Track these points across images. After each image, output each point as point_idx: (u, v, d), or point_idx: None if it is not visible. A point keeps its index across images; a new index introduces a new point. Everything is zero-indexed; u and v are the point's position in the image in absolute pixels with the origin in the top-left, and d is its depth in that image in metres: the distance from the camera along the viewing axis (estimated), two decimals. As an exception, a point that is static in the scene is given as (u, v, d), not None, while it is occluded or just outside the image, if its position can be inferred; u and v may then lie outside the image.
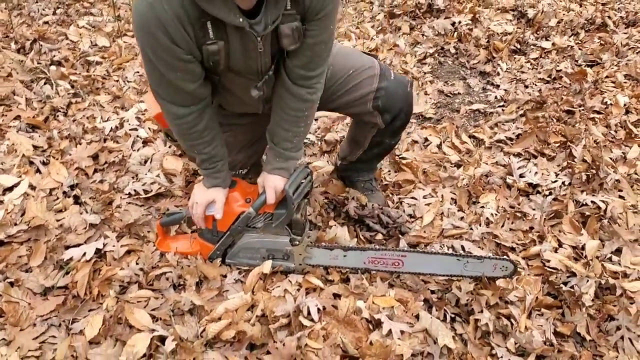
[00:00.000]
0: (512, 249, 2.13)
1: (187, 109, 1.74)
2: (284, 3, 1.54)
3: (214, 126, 1.85)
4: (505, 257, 1.98)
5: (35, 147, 2.60)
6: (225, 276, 1.96)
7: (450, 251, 2.10)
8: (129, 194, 2.34)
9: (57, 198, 2.30)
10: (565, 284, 1.95)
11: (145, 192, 2.35)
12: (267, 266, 1.93)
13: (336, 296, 1.88)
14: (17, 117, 2.83)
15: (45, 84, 3.14)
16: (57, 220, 2.16)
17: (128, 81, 3.30)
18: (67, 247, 2.05)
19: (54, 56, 3.43)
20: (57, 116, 2.91)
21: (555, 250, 2.10)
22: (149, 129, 2.77)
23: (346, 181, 2.46)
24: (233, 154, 2.00)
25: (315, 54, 1.71)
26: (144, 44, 1.55)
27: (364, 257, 1.92)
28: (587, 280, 1.93)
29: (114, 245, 2.05)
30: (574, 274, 1.97)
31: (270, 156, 1.93)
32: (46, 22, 3.93)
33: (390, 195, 2.42)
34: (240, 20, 1.50)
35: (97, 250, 2.03)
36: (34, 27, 3.79)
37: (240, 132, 2.10)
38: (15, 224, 2.12)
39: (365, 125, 2.14)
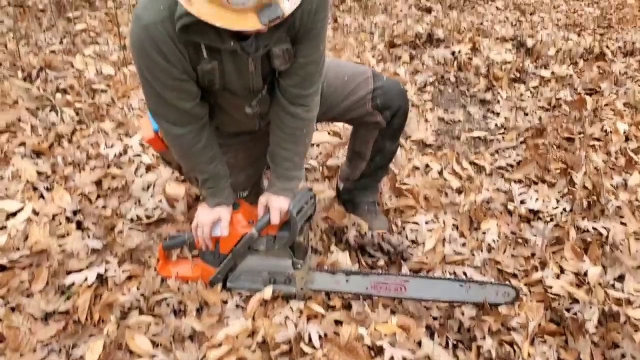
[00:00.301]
0: (514, 275, 2.13)
1: (185, 129, 1.77)
2: (287, 25, 1.57)
3: (213, 144, 1.88)
4: (507, 283, 1.98)
5: (39, 173, 2.62)
6: (226, 302, 1.95)
7: (452, 277, 2.10)
8: (131, 219, 2.35)
9: (60, 223, 2.31)
10: (568, 310, 1.94)
11: (148, 217, 2.36)
12: (268, 292, 1.92)
13: (338, 323, 1.87)
14: (22, 144, 2.85)
15: (50, 111, 3.17)
16: (60, 246, 2.17)
17: (132, 108, 3.32)
18: (68, 272, 2.06)
19: (60, 84, 3.47)
20: (62, 143, 2.93)
21: (558, 277, 2.09)
22: (153, 155, 2.79)
23: (349, 205, 2.46)
24: (234, 176, 2.03)
25: (308, 73, 1.77)
26: (141, 64, 1.61)
27: (367, 282, 1.91)
28: (590, 307, 1.92)
29: (115, 271, 2.05)
30: (576, 301, 1.97)
31: (273, 177, 1.95)
32: (52, 51, 3.98)
33: (392, 219, 2.42)
34: (232, 43, 1.54)
35: (99, 276, 2.03)
36: (41, 56, 3.83)
37: (240, 151, 2.12)
38: (18, 249, 2.13)
39: (366, 129, 2.19)
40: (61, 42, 4.18)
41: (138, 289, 1.98)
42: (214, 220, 1.90)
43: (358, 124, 2.22)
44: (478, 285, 1.87)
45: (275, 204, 1.87)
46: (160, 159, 2.49)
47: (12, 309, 1.89)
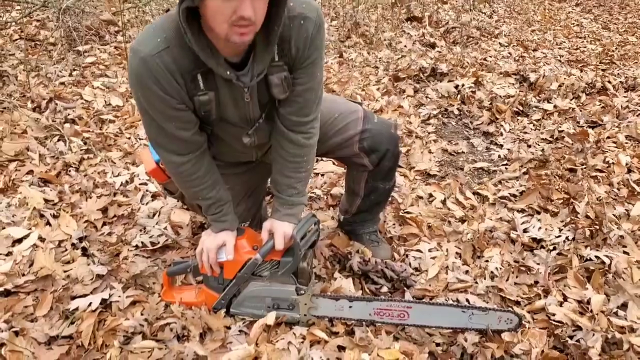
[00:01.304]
0: (517, 303, 2.13)
1: (185, 157, 1.81)
2: (270, 57, 1.62)
3: (214, 170, 1.92)
4: (510, 309, 1.97)
5: (46, 201, 2.65)
6: (229, 327, 1.95)
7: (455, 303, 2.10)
8: (136, 246, 2.37)
9: (66, 250, 2.33)
10: (571, 337, 1.93)
11: (153, 244, 2.38)
12: (271, 318, 1.92)
13: (341, 348, 1.87)
14: (30, 172, 2.90)
15: (58, 140, 3.23)
16: (65, 271, 2.18)
17: (140, 138, 3.38)
18: (73, 298, 2.06)
19: (69, 115, 3.53)
20: (69, 171, 2.98)
21: (561, 304, 2.09)
22: (159, 183, 2.83)
23: (351, 235, 2.48)
24: (233, 207, 2.03)
25: (306, 101, 1.80)
26: (140, 96, 1.64)
27: (370, 308, 1.91)
28: (593, 335, 1.91)
29: (119, 296, 2.06)
30: (579, 328, 1.96)
31: (277, 204, 1.97)
32: (62, 83, 4.06)
33: (395, 247, 2.43)
34: (228, 72, 1.59)
35: (103, 301, 2.04)
36: (51, 87, 3.92)
37: (238, 182, 2.14)
38: (23, 275, 2.15)
39: (356, 169, 2.21)
40: (71, 75, 4.27)
41: (142, 314, 1.99)
42: (218, 245, 1.92)
43: (347, 163, 2.25)
44: (481, 312, 1.86)
45: (280, 230, 1.89)
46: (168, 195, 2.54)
47: (16, 333, 1.89)
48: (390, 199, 2.75)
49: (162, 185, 2.23)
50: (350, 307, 1.92)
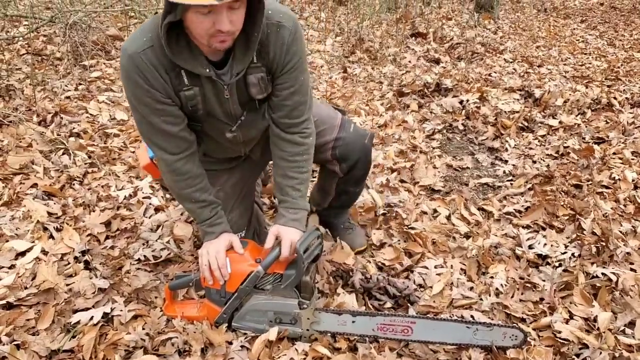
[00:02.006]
0: (523, 320, 2.10)
1: (176, 156, 1.89)
2: (249, 57, 1.74)
3: (204, 175, 1.99)
4: (514, 325, 1.95)
5: (49, 214, 2.65)
6: (231, 343, 1.94)
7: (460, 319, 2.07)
8: (139, 259, 2.36)
9: (68, 263, 2.32)
10: (577, 355, 1.91)
11: (155, 257, 2.37)
12: (273, 333, 1.91)
13: (344, 365, 1.85)
14: (34, 185, 2.90)
15: (63, 154, 3.24)
16: (67, 285, 2.18)
17: (144, 152, 3.38)
18: (75, 311, 2.05)
19: (74, 128, 3.55)
20: (73, 185, 2.98)
21: (567, 322, 2.06)
22: (162, 197, 2.83)
23: (325, 224, 2.60)
24: (226, 213, 2.08)
25: (295, 103, 1.91)
26: (128, 91, 1.76)
27: (373, 323, 1.89)
28: (600, 353, 1.89)
29: (121, 310, 2.05)
30: (586, 346, 1.93)
31: (282, 210, 2.01)
32: (68, 97, 4.08)
33: (400, 267, 2.40)
34: (207, 70, 1.72)
35: (105, 315, 2.03)
36: (56, 101, 3.93)
37: (228, 181, 2.20)
38: (26, 288, 2.14)
39: (328, 173, 2.30)
40: (76, 89, 4.29)
41: (143, 328, 1.98)
42: (226, 246, 1.94)
43: (321, 166, 2.34)
44: (485, 328, 1.84)
45: (286, 236, 1.91)
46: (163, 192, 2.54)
47: (18, 347, 1.88)
48: (394, 214, 2.75)
49: (158, 180, 2.32)
50: (353, 322, 1.90)
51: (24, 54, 4.88)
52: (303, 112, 1.94)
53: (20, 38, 5.08)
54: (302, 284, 1.90)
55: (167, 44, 1.61)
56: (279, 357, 1.85)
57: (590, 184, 3.12)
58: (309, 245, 1.88)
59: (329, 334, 1.96)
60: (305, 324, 1.92)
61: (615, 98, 4.62)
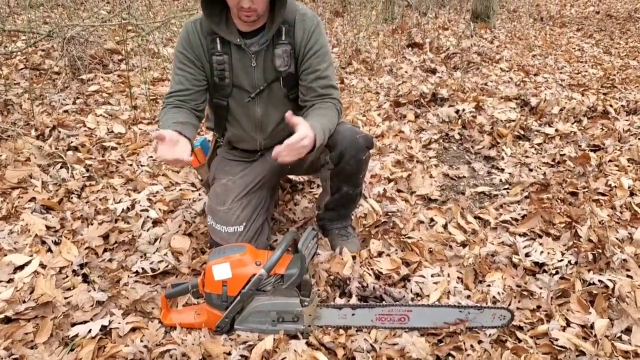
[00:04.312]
0: (520, 328, 2.10)
1: (175, 105, 2.20)
2: (274, 30, 2.14)
3: (189, 121, 2.15)
4: (502, 307, 2.06)
5: (48, 227, 2.66)
6: (229, 353, 1.94)
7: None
8: (137, 272, 2.37)
9: (67, 276, 2.33)
10: (575, 363, 1.91)
11: (153, 270, 2.37)
12: (269, 342, 1.92)
13: (341, 374, 1.86)
14: (33, 199, 2.92)
15: (61, 167, 3.25)
16: (65, 298, 2.18)
17: (141, 165, 3.40)
18: (73, 324, 2.06)
19: (72, 142, 3.56)
20: (71, 198, 2.99)
21: (564, 329, 2.07)
22: (159, 209, 2.83)
23: (322, 230, 2.67)
24: (229, 202, 2.34)
25: (322, 86, 2.23)
26: (176, 47, 2.26)
27: (372, 314, 1.99)
28: (597, 359, 1.89)
29: (119, 322, 2.05)
30: (583, 353, 1.94)
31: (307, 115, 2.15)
32: (66, 111, 4.09)
33: (396, 276, 2.41)
34: (238, 40, 2.16)
35: (103, 327, 2.03)
36: (54, 115, 3.95)
37: (239, 177, 2.45)
38: (24, 301, 2.14)
39: (322, 166, 2.41)
40: (74, 103, 4.31)
41: (141, 340, 1.98)
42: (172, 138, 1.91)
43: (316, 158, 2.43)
44: (476, 311, 1.99)
45: (306, 124, 1.93)
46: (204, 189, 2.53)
47: (15, 361, 1.89)
48: (391, 224, 2.76)
49: (195, 169, 2.73)
50: (353, 314, 2.00)
51: (22, 69, 4.91)
52: (331, 93, 2.24)
53: (18, 53, 5.10)
54: (303, 282, 1.96)
55: (208, 15, 2.09)
56: (277, 366, 1.86)
57: (587, 192, 3.14)
58: (307, 245, 1.95)
59: (331, 330, 2.03)
60: (307, 320, 1.97)
61: (611, 105, 4.64)
